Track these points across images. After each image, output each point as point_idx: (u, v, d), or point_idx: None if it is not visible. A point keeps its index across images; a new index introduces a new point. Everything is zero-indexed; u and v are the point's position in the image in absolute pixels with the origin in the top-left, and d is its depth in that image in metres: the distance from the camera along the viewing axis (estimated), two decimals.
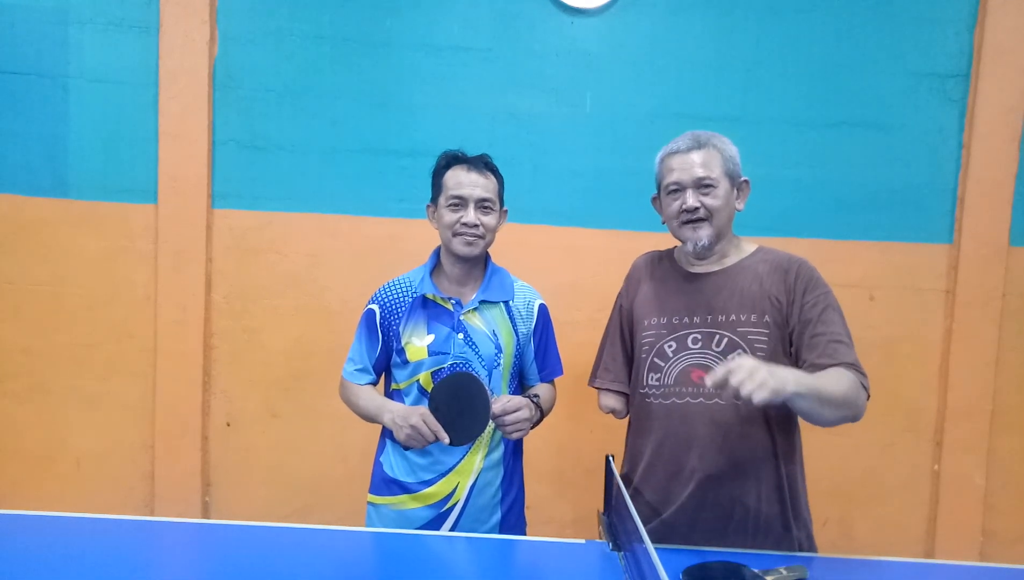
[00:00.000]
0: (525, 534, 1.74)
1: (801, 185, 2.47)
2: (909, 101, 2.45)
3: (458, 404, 1.48)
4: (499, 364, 1.62)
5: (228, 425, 2.55)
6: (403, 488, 1.63)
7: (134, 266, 2.49)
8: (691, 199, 1.45)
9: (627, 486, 1.52)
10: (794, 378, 1.22)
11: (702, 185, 1.46)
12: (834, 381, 1.32)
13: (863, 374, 1.38)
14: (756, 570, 1.26)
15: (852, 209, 2.47)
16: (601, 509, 1.57)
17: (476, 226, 1.57)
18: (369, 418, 1.65)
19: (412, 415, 1.49)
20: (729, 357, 1.37)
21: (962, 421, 2.47)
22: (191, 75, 2.41)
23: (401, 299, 1.64)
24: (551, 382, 1.76)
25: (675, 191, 1.49)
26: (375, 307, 1.67)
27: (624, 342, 1.63)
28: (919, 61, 2.44)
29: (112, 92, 2.44)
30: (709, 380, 1.20)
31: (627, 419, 1.66)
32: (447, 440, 1.46)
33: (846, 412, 1.33)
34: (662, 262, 1.62)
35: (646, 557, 1.11)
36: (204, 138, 2.43)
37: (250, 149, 2.47)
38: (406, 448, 1.56)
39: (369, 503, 1.69)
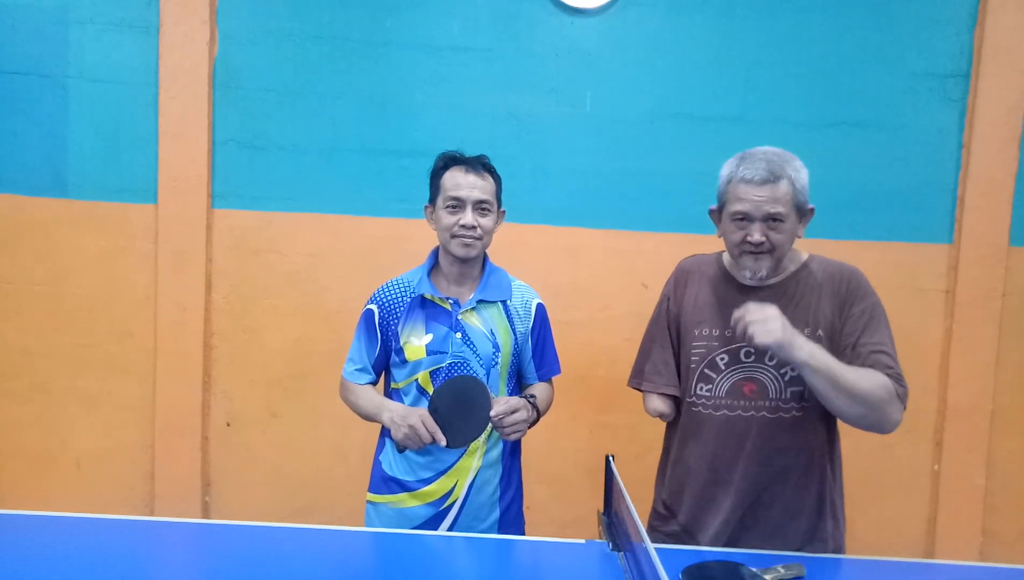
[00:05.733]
0: (523, 532, 1.74)
1: None
2: (909, 101, 2.45)
3: (458, 407, 1.48)
4: (497, 363, 1.62)
5: (228, 425, 2.55)
6: (402, 486, 1.63)
7: (134, 266, 2.49)
8: (757, 234, 1.39)
9: (662, 487, 1.61)
10: (809, 349, 1.29)
11: (770, 219, 1.39)
12: (860, 375, 1.33)
13: (903, 386, 1.38)
14: (754, 569, 1.26)
15: (852, 209, 2.47)
16: (601, 509, 1.57)
17: (474, 228, 1.58)
18: (368, 418, 1.65)
19: (411, 415, 1.49)
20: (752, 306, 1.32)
21: (962, 421, 2.47)
22: (191, 75, 2.41)
23: (399, 299, 1.65)
24: (549, 381, 1.76)
25: (741, 220, 1.42)
26: (373, 307, 1.67)
27: (673, 345, 1.58)
28: (919, 61, 2.44)
29: (112, 92, 2.44)
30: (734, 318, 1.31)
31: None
32: (444, 442, 1.47)
33: (867, 411, 1.33)
34: (712, 269, 1.57)
35: (646, 557, 1.11)
36: (204, 138, 2.43)
37: (250, 149, 2.47)
38: (401, 450, 1.57)
39: (368, 502, 1.70)
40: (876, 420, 1.36)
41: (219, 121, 2.46)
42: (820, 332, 1.43)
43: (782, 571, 1.28)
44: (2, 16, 2.41)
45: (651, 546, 1.07)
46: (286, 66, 2.45)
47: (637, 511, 1.23)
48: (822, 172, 2.44)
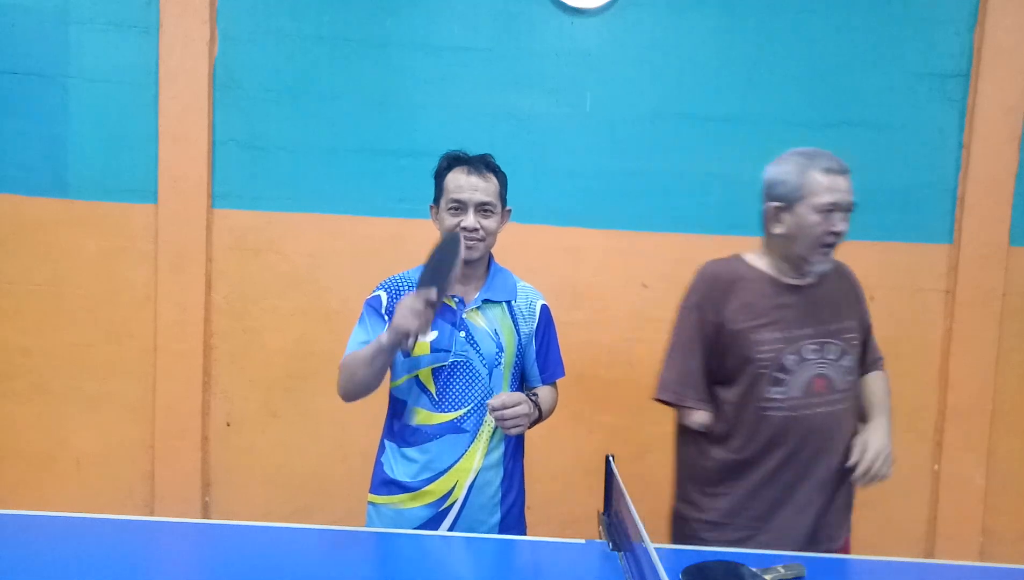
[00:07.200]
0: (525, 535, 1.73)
1: None
2: (909, 101, 2.45)
3: (437, 260, 1.47)
4: (500, 363, 1.62)
5: (228, 425, 2.54)
6: (402, 488, 1.62)
7: (134, 266, 2.49)
8: (843, 224, 1.44)
9: (709, 496, 1.57)
10: (888, 431, 1.59)
11: (847, 210, 1.46)
12: (885, 393, 1.64)
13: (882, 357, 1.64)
14: (754, 569, 1.26)
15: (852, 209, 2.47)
16: (601, 509, 1.57)
17: (476, 230, 1.57)
18: (374, 364, 1.54)
19: (402, 305, 1.45)
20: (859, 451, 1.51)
21: (962, 421, 2.47)
22: (191, 75, 2.41)
23: (407, 291, 1.64)
24: (553, 384, 1.76)
25: (830, 211, 1.44)
26: (382, 293, 1.65)
27: (707, 357, 1.56)
28: (919, 61, 2.44)
29: (112, 92, 2.44)
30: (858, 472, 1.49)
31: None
32: (434, 296, 1.42)
33: None
34: (746, 271, 1.57)
35: (646, 557, 1.11)
36: (204, 138, 2.43)
37: (250, 149, 2.47)
38: (405, 356, 1.56)
39: (369, 503, 1.69)
40: None
41: (219, 121, 2.46)
42: (855, 322, 1.58)
43: (782, 571, 1.28)
44: (2, 16, 2.41)
45: (651, 546, 1.07)
46: (286, 66, 2.45)
47: (637, 511, 1.22)
48: None
